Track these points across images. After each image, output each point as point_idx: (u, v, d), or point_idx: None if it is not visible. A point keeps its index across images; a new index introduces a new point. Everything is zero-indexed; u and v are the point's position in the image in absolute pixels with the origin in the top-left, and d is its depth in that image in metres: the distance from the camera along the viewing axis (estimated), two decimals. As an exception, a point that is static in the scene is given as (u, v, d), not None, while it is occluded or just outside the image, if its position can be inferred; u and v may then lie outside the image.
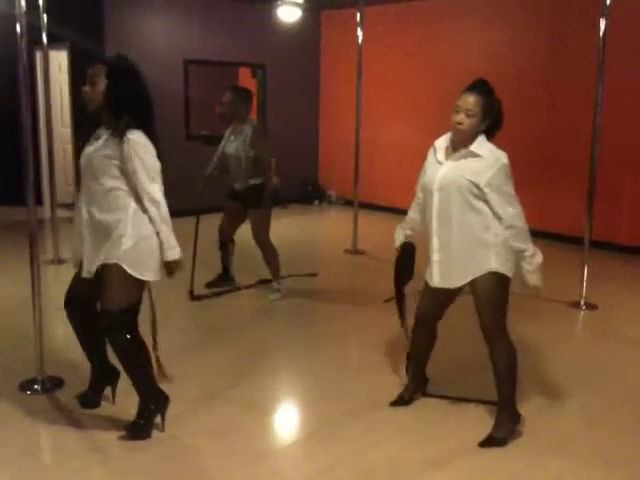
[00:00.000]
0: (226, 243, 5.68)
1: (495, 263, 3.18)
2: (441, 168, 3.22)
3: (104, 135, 3.14)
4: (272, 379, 4.08)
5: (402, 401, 3.66)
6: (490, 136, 3.24)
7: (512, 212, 3.18)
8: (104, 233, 3.11)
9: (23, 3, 3.66)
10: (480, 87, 3.16)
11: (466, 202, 3.15)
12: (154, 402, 3.29)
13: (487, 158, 3.14)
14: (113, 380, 3.55)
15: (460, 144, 3.20)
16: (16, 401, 3.60)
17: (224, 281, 5.80)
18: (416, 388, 3.71)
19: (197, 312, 5.31)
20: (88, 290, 3.25)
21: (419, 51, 8.89)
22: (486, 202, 3.14)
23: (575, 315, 5.40)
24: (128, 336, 3.16)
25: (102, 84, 3.09)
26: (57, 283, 5.91)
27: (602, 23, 5.26)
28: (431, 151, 3.35)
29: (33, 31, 4.90)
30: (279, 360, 4.43)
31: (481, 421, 3.46)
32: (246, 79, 10.05)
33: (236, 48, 9.17)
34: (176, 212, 7.99)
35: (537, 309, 5.41)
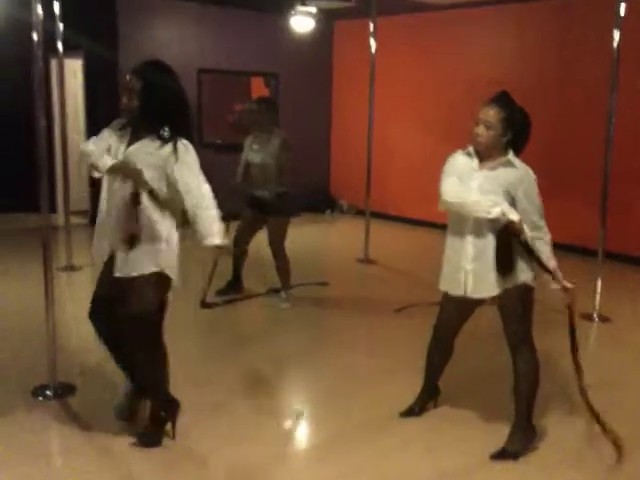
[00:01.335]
0: (239, 252, 5.68)
1: (524, 275, 3.19)
2: (475, 176, 3.18)
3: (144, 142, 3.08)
4: (282, 388, 4.08)
5: (412, 412, 3.64)
6: (518, 152, 3.22)
7: (544, 224, 3.24)
8: None
9: (40, 11, 3.70)
10: (501, 100, 3.15)
11: None
12: (165, 409, 3.29)
13: (521, 169, 3.16)
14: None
15: (485, 155, 3.18)
16: (28, 407, 3.61)
17: (234, 288, 5.81)
18: (427, 399, 3.69)
19: (208, 320, 5.31)
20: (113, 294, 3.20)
21: (431, 61, 8.90)
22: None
23: (588, 327, 5.36)
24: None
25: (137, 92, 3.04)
26: (70, 290, 5.96)
27: (616, 34, 5.25)
28: (465, 154, 3.26)
29: (49, 39, 4.95)
30: (289, 369, 4.43)
31: (495, 433, 3.43)
32: (259, 88, 10.10)
33: (249, 57, 9.22)
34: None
35: (549, 321, 5.37)
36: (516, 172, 3.14)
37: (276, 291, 5.80)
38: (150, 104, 3.05)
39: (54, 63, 7.74)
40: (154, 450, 3.22)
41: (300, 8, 8.13)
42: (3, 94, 8.32)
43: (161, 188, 3.08)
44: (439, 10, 8.57)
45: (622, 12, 5.22)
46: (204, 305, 5.46)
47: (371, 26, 7.03)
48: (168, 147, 3.04)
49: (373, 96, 7.19)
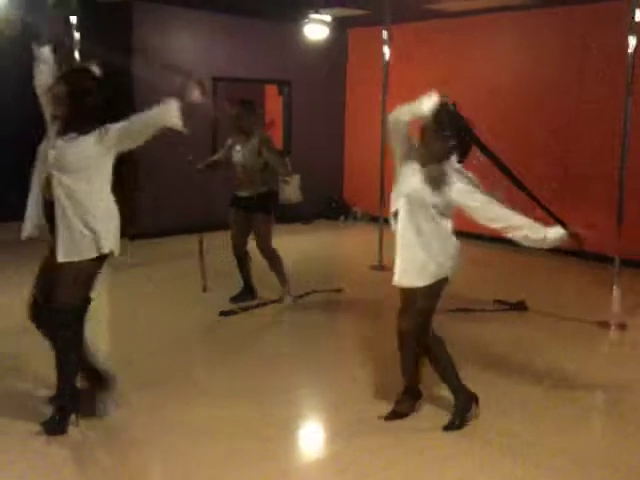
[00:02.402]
0: (241, 256, 5.77)
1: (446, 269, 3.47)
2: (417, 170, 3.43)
3: None
4: (293, 396, 4.05)
5: (395, 415, 3.66)
6: (463, 158, 3.38)
7: (510, 212, 3.39)
8: None
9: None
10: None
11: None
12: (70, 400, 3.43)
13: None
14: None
15: (430, 162, 3.38)
16: (44, 415, 3.62)
17: (247, 294, 5.85)
18: (409, 403, 3.71)
19: (222, 327, 5.32)
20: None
21: (445, 68, 8.90)
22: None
23: (604, 335, 5.32)
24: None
25: None
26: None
27: (631, 40, 5.23)
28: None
29: (65, 49, 5.01)
30: (300, 376, 4.40)
31: (499, 441, 3.41)
32: (273, 96, 10.14)
33: (263, 65, 9.26)
34: (205, 226, 7.97)
35: (565, 329, 5.35)
36: (445, 178, 3.34)
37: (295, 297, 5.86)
38: (77, 107, 3.26)
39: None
40: (165, 458, 3.22)
41: (314, 16, 8.17)
42: (19, 103, 8.38)
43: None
44: (452, 17, 8.57)
45: (638, 18, 5.21)
46: (222, 313, 5.48)
47: (385, 34, 7.04)
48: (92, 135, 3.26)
49: (386, 103, 7.19)
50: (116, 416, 3.64)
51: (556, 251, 7.25)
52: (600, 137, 7.43)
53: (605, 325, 5.41)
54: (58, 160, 3.25)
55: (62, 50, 3.36)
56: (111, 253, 3.43)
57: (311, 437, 3.74)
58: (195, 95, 3.25)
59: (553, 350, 4.90)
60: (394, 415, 3.67)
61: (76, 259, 3.28)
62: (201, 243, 5.86)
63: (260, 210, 5.56)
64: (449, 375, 3.61)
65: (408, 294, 3.52)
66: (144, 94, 8.20)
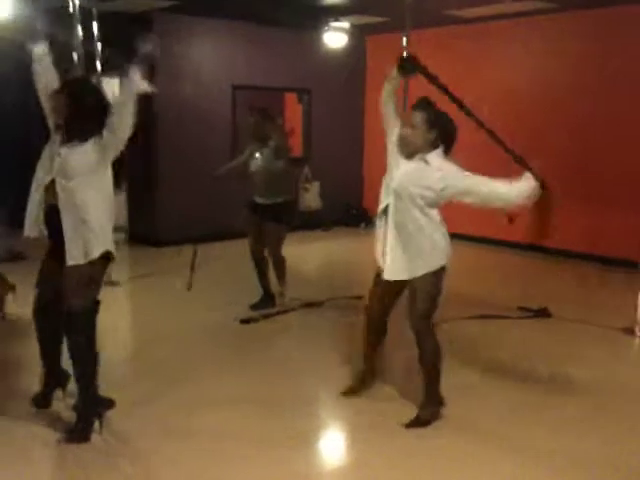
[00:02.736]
0: (259, 261, 5.82)
1: (437, 260, 3.58)
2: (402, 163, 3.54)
3: None
4: (312, 402, 4.04)
5: (351, 391, 3.97)
6: (448, 150, 3.50)
7: (495, 184, 3.44)
8: None
9: (80, 32, 3.80)
10: (422, 104, 3.53)
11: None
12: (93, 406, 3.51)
13: (433, 167, 3.45)
14: (65, 382, 3.80)
15: (414, 154, 3.49)
16: (67, 421, 3.65)
17: (267, 302, 5.87)
18: (368, 380, 4.02)
19: (242, 335, 5.33)
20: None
21: (464, 73, 8.87)
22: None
23: (629, 342, 5.24)
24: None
25: None
26: (109, 305, 6.03)
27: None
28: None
29: (88, 59, 5.06)
30: (316, 384, 4.34)
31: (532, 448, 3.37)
32: (292, 104, 10.18)
33: (283, 73, 9.30)
34: (220, 235, 8.07)
35: (590, 336, 5.29)
36: (429, 169, 3.42)
37: (311, 305, 5.85)
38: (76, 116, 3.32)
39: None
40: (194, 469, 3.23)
41: (333, 24, 8.19)
42: (21, 109, 8.45)
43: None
44: (471, 23, 8.55)
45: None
46: (243, 321, 5.48)
47: (404, 40, 7.03)
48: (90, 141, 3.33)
49: (406, 109, 7.17)
50: (131, 424, 3.65)
51: (580, 257, 7.19)
52: (624, 142, 7.36)
53: (630, 332, 5.33)
54: (62, 167, 3.34)
55: (57, 47, 3.36)
56: (111, 255, 3.51)
57: (330, 444, 3.72)
58: (144, 85, 3.29)
59: (578, 357, 4.84)
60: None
61: (82, 262, 3.37)
62: (195, 253, 6.12)
63: (272, 219, 5.65)
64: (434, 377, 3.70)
65: (394, 285, 3.63)
66: (163, 103, 8.30)
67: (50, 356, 3.70)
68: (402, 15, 6.97)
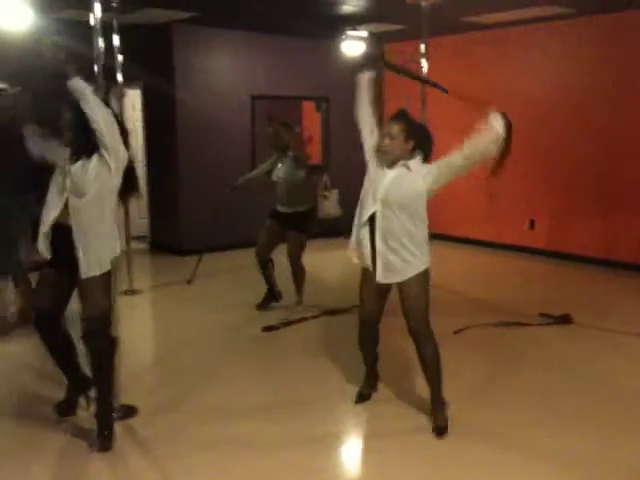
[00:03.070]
0: (265, 262, 5.94)
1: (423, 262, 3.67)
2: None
3: None
4: (330, 413, 4.04)
5: (362, 398, 4.05)
6: (427, 158, 3.62)
7: (461, 150, 3.47)
8: None
9: (101, 44, 3.85)
10: (399, 115, 3.72)
11: None
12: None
13: (414, 170, 3.57)
14: (87, 389, 3.84)
15: (394, 162, 3.62)
16: (90, 429, 3.69)
17: (271, 300, 6.05)
18: (371, 384, 4.12)
19: (264, 342, 5.34)
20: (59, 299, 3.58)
21: (482, 80, 8.85)
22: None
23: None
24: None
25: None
26: (131, 313, 6.10)
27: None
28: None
29: (108, 71, 5.12)
30: (333, 390, 4.35)
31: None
32: (310, 113, 10.21)
33: (301, 82, 9.35)
34: (241, 243, 8.11)
35: (613, 342, 5.24)
36: (411, 173, 3.54)
37: (333, 312, 5.86)
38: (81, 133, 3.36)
39: (113, 94, 7.99)
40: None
41: (351, 33, 8.22)
42: None
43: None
44: (489, 29, 8.54)
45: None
46: (265, 329, 5.52)
47: (422, 47, 7.05)
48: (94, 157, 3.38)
49: (425, 116, 7.17)
50: (153, 431, 3.69)
51: (598, 262, 7.12)
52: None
53: (653, 337, 5.28)
54: (74, 185, 3.40)
55: (77, 60, 3.40)
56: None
57: (347, 451, 3.73)
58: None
59: (601, 363, 4.80)
60: (360, 398, 4.02)
61: (98, 273, 3.44)
62: (199, 261, 6.53)
63: (294, 228, 5.77)
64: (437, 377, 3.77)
65: (384, 288, 3.77)
66: (185, 113, 8.38)
67: (64, 364, 3.75)
68: (420, 23, 7.00)
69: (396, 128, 3.61)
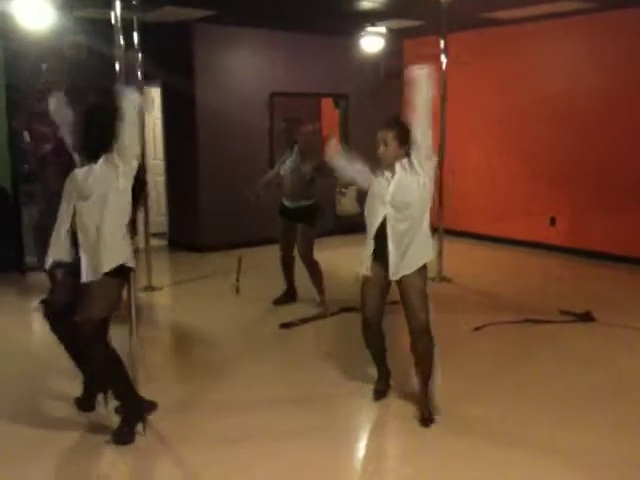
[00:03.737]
0: (287, 259, 6.03)
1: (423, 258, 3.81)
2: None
3: None
4: (345, 409, 4.05)
5: (379, 395, 4.09)
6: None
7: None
8: None
9: (122, 42, 3.87)
10: (392, 122, 3.85)
11: None
12: (134, 410, 3.59)
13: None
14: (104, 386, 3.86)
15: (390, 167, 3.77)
16: (109, 423, 3.72)
17: (289, 297, 6.13)
18: (385, 380, 4.17)
19: (282, 338, 5.36)
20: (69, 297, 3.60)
21: (501, 75, 8.80)
22: None
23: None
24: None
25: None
26: (151, 310, 6.15)
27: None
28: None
29: (128, 68, 5.15)
30: (348, 389, 4.33)
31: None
32: (328, 109, 10.19)
33: (320, 79, 9.34)
34: (259, 240, 8.11)
35: (631, 339, 5.19)
36: (409, 172, 3.70)
37: (349, 310, 5.83)
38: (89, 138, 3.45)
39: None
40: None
41: (370, 29, 8.20)
42: None
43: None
44: (508, 25, 8.47)
45: None
46: (282, 325, 5.54)
47: (442, 43, 7.01)
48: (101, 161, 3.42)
49: (445, 113, 7.14)
50: (173, 427, 3.72)
51: (617, 259, 7.05)
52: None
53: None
54: (79, 190, 3.43)
55: (96, 57, 3.47)
56: (128, 268, 3.56)
57: (361, 445, 3.73)
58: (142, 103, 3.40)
59: (624, 361, 4.76)
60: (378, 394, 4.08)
61: (95, 278, 3.43)
62: (240, 260, 6.35)
63: (302, 220, 5.81)
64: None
65: (384, 282, 3.85)
66: (203, 111, 8.41)
67: (80, 361, 3.81)
68: (438, 18, 6.97)
69: (390, 135, 3.75)
